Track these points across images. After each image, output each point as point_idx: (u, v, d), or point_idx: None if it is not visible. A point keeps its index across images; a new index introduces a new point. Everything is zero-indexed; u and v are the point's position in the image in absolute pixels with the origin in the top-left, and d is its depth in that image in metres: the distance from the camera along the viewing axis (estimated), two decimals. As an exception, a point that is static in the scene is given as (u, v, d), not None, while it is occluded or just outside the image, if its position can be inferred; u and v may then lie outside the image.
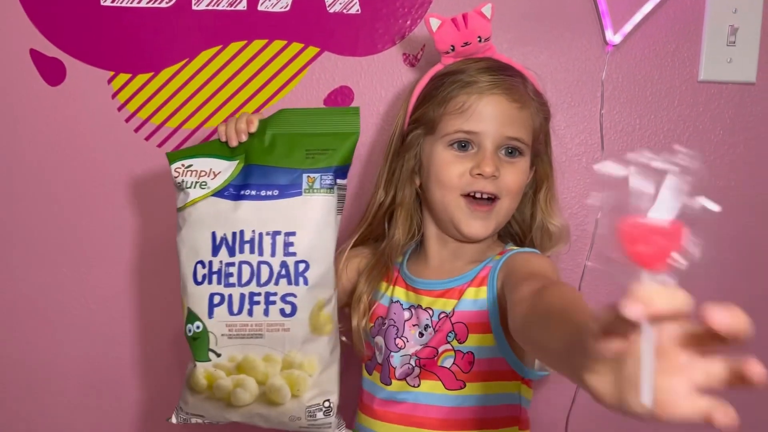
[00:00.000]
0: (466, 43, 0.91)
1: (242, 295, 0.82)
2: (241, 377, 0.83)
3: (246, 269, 0.82)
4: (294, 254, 0.82)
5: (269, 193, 0.84)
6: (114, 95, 1.19)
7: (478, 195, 0.86)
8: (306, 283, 0.82)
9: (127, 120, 1.19)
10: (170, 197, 1.08)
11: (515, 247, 0.92)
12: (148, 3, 1.16)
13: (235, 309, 0.82)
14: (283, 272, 0.82)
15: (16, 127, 1.20)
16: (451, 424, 0.85)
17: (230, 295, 0.82)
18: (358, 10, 1.13)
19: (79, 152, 1.20)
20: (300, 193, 0.84)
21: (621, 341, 0.40)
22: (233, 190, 0.85)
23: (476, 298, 0.86)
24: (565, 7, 1.11)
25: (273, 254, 0.82)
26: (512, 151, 0.88)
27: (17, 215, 1.21)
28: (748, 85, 1.10)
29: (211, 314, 0.82)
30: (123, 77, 1.19)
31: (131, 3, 1.16)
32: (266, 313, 0.81)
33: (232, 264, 0.83)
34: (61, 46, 1.19)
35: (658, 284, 0.38)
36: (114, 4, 1.16)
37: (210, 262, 0.84)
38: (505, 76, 0.88)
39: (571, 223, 1.12)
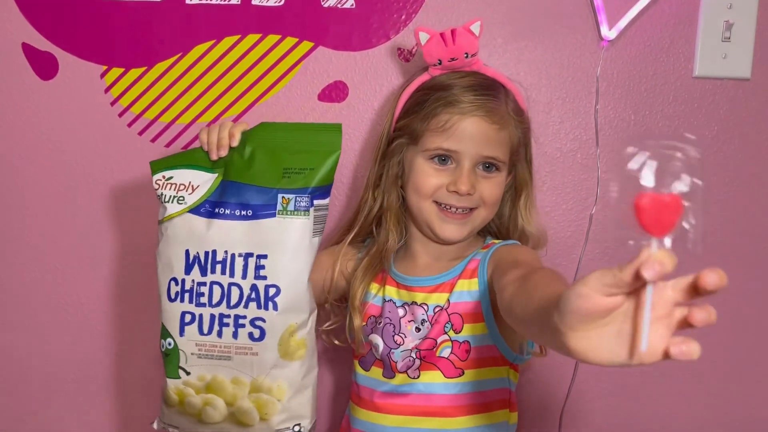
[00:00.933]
0: (452, 59, 0.93)
1: (212, 316, 0.81)
2: (210, 396, 0.82)
3: (217, 290, 0.81)
4: (264, 278, 0.80)
5: (243, 213, 0.83)
6: (107, 90, 1.19)
7: (451, 210, 0.92)
8: (276, 308, 0.81)
9: (120, 114, 1.19)
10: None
11: (498, 241, 0.97)
12: None
13: (205, 329, 0.81)
14: (253, 296, 0.80)
15: (7, 121, 1.20)
16: (452, 410, 0.90)
17: (201, 315, 0.81)
18: (352, 5, 1.12)
19: (72, 147, 1.20)
20: (273, 215, 0.82)
21: (621, 298, 0.48)
22: (209, 207, 0.84)
23: (469, 289, 0.91)
24: (560, 2, 1.11)
25: (244, 276, 0.81)
26: (489, 167, 0.92)
27: (7, 209, 1.22)
28: (743, 80, 1.10)
29: (182, 332, 0.82)
30: (116, 71, 1.18)
31: None
32: (235, 335, 0.80)
33: (203, 284, 0.82)
34: (54, 39, 1.19)
35: (664, 249, 0.45)
36: None
37: (183, 280, 0.83)
38: (488, 97, 0.91)
39: (566, 217, 1.14)
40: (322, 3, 1.11)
